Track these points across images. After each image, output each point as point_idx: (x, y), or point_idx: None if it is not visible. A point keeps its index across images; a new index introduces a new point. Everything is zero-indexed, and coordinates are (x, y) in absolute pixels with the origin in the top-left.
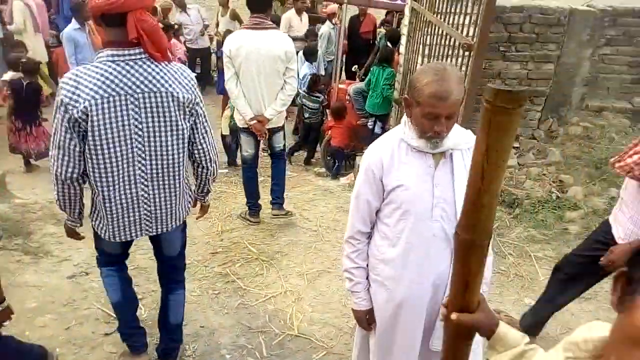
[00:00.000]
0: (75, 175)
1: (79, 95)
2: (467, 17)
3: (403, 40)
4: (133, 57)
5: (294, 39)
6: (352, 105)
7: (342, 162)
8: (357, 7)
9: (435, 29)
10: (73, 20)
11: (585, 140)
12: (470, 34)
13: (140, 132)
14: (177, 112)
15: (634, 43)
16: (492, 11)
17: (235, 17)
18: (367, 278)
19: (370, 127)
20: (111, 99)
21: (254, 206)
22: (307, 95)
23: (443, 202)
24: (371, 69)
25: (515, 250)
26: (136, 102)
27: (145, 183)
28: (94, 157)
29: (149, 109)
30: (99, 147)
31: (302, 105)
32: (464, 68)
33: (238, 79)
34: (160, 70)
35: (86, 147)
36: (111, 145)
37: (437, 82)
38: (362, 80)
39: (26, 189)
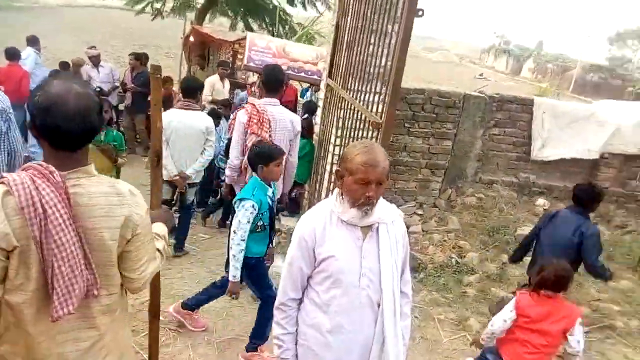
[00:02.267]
0: None
1: None
2: (376, 95)
3: (319, 111)
4: None
5: (218, 101)
6: None
7: None
8: None
9: (348, 104)
10: None
11: (480, 210)
12: (380, 110)
13: None
14: None
15: (517, 126)
16: (397, 94)
17: None
18: (295, 344)
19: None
20: None
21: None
22: (224, 159)
23: (370, 272)
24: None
25: (421, 313)
26: None
27: None
28: None
29: None
30: None
31: (219, 168)
32: (373, 140)
33: (167, 144)
34: None
35: None
36: None
37: (367, 153)
38: None
39: None
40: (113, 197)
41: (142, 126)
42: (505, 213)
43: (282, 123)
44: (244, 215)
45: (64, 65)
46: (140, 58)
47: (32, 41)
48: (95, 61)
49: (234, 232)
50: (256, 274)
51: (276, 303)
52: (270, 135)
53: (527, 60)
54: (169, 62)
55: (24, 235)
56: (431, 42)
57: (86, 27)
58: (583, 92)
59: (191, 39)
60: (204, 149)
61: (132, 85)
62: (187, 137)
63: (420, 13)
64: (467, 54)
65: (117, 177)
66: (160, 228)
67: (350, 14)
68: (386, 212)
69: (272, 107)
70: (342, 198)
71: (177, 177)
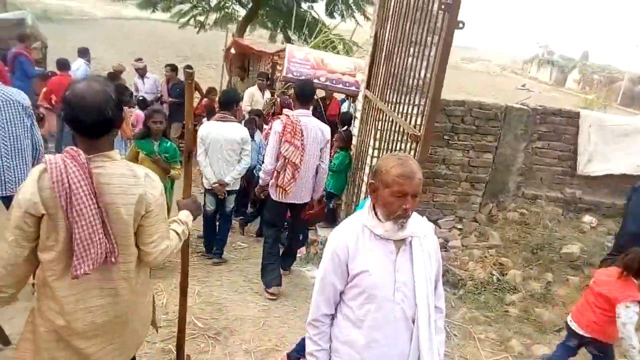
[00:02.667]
0: None
1: None
2: (415, 107)
3: (356, 123)
4: None
5: (251, 111)
6: None
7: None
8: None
9: (385, 116)
10: None
11: (522, 226)
12: (418, 122)
13: None
14: None
15: (563, 139)
16: (436, 106)
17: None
18: None
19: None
20: None
21: (208, 246)
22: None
23: (404, 286)
24: (339, 153)
25: (460, 331)
26: None
27: None
28: None
29: None
30: None
31: (258, 177)
32: (411, 152)
33: (207, 154)
34: None
35: None
36: None
37: (402, 165)
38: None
39: None
40: (130, 178)
41: (176, 135)
42: (549, 230)
43: (313, 132)
44: None
45: (112, 76)
46: (175, 69)
47: (83, 52)
48: (142, 72)
49: None
50: None
51: (309, 319)
52: (302, 143)
53: (572, 71)
54: (211, 73)
55: (54, 204)
56: (471, 53)
57: (132, 39)
58: (631, 104)
59: (232, 50)
60: (241, 158)
61: (168, 96)
62: (223, 147)
63: (460, 25)
64: (509, 64)
65: (172, 188)
66: (185, 215)
67: (389, 26)
68: (419, 226)
69: (305, 118)
70: (376, 211)
71: (217, 185)
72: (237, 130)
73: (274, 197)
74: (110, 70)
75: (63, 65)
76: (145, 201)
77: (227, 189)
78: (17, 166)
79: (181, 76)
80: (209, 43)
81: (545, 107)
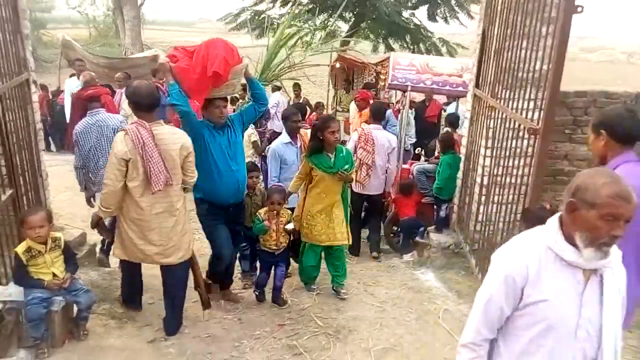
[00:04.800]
0: None
1: None
2: (531, 103)
3: (466, 123)
4: None
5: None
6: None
7: (408, 237)
8: (422, 93)
9: (498, 113)
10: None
11: None
12: (535, 117)
13: None
14: None
15: None
16: (556, 97)
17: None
18: None
19: (436, 208)
20: None
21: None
22: None
23: (588, 324)
24: (441, 159)
25: None
26: None
27: None
28: None
29: None
30: None
31: None
32: (530, 150)
33: None
34: None
35: None
36: None
37: (616, 183)
38: (426, 160)
39: (112, 257)
40: (172, 135)
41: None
42: None
43: (381, 141)
44: None
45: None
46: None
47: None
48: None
49: None
50: None
51: (465, 341)
52: (373, 150)
53: None
54: (315, 89)
55: (134, 153)
56: (590, 42)
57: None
58: None
59: (337, 65)
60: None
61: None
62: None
63: (579, 9)
64: (638, 50)
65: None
66: None
67: (497, 21)
68: (613, 254)
69: (376, 131)
70: (566, 233)
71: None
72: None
73: (354, 189)
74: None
75: None
76: (184, 148)
77: None
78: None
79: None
80: (312, 60)
81: None
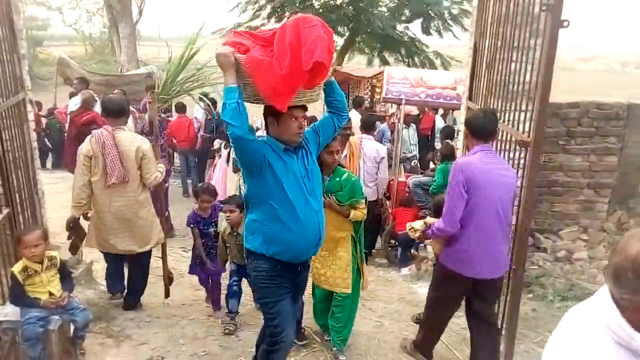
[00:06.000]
0: None
1: None
2: (522, 114)
3: (460, 135)
4: None
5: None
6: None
7: (406, 250)
8: (415, 106)
9: None
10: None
11: None
12: (527, 129)
13: None
14: None
15: None
16: (545, 110)
17: None
18: None
19: None
20: None
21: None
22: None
23: None
24: (437, 168)
25: None
26: None
27: None
28: None
29: None
30: None
31: None
32: (522, 161)
33: None
34: None
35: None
36: None
37: None
38: (421, 173)
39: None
40: (132, 140)
41: None
42: None
43: (369, 151)
44: None
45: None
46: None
47: (200, 98)
48: None
49: None
50: None
51: None
52: (363, 159)
53: None
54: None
55: (96, 151)
56: (584, 52)
57: None
58: None
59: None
60: None
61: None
62: None
63: (565, 24)
64: (632, 59)
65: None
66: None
67: (488, 34)
68: None
69: (366, 141)
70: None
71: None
72: None
73: None
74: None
75: (180, 109)
76: (140, 151)
77: None
78: None
79: None
80: None
81: None
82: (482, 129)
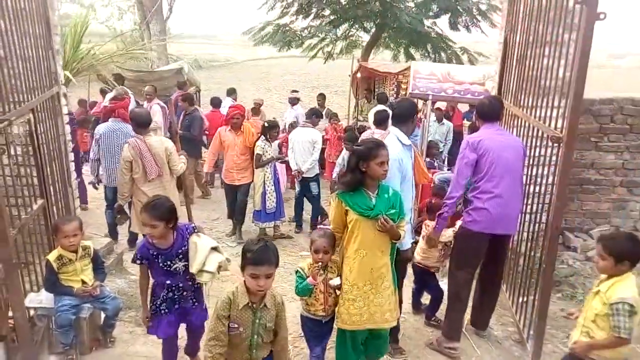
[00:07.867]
0: None
1: None
2: (554, 110)
3: None
4: None
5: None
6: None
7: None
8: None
9: (521, 121)
10: None
11: None
12: (559, 126)
13: None
14: None
15: None
16: (579, 105)
17: None
18: None
19: None
20: None
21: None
22: None
23: None
24: None
25: None
26: None
27: None
28: None
29: None
30: None
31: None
32: (554, 158)
33: (293, 150)
34: None
35: None
36: None
37: None
38: (448, 169)
39: None
40: (159, 142)
41: (191, 174)
42: None
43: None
44: None
45: (253, 110)
46: (187, 99)
47: (230, 92)
48: (294, 102)
49: None
50: None
51: None
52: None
53: None
54: (337, 99)
55: (134, 155)
56: (617, 48)
57: (267, 77)
58: None
59: (358, 75)
60: (312, 152)
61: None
62: (302, 145)
63: (602, 16)
64: None
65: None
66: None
67: (519, 29)
68: None
69: (377, 136)
70: None
71: (296, 172)
72: (310, 134)
73: None
74: (253, 106)
75: (215, 103)
76: (167, 150)
77: (308, 175)
78: (114, 170)
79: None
80: (334, 70)
81: None
82: (489, 113)
